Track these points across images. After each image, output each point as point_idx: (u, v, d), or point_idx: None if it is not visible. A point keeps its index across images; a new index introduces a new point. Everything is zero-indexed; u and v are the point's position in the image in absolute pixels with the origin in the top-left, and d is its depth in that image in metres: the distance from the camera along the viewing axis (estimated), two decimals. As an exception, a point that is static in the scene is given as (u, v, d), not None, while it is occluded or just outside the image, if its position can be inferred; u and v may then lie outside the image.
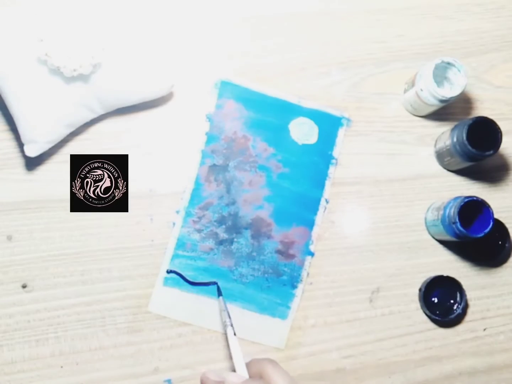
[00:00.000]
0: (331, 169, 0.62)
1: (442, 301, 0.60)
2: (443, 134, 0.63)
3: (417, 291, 0.61)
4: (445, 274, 0.60)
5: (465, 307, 0.61)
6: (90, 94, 0.57)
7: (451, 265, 0.62)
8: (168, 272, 0.58)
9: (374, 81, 0.65)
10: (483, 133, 0.58)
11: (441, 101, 0.60)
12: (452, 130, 0.60)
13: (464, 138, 0.57)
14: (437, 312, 0.60)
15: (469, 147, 0.57)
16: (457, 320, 0.61)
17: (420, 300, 0.60)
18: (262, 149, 0.62)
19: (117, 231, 0.59)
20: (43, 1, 0.56)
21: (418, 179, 0.63)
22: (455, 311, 0.60)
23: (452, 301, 0.60)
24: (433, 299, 0.60)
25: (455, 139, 0.59)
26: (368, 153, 0.63)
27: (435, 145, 0.64)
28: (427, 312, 0.60)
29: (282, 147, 0.62)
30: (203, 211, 0.60)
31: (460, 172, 0.64)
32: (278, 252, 0.60)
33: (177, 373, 0.57)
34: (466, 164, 0.61)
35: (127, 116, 0.61)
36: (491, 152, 0.58)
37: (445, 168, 0.64)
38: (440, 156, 0.63)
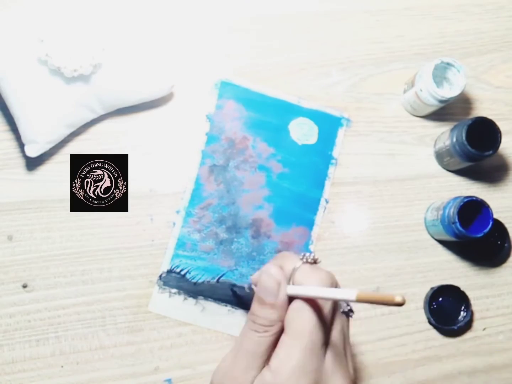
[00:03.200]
0: (331, 169, 0.62)
1: (446, 310, 0.60)
2: (442, 134, 0.63)
3: (416, 291, 0.61)
4: (453, 284, 0.60)
5: (470, 320, 0.60)
6: (90, 94, 0.57)
7: (451, 265, 0.62)
8: (168, 272, 0.58)
9: (373, 81, 0.65)
10: (482, 133, 0.58)
11: (441, 101, 0.60)
12: (452, 130, 0.60)
13: (464, 138, 0.57)
14: (439, 319, 0.60)
15: (469, 147, 0.57)
16: (459, 331, 0.61)
17: (424, 304, 0.60)
18: (262, 149, 0.62)
19: (117, 231, 0.59)
20: (43, 1, 0.57)
21: (417, 179, 0.64)
22: (458, 322, 0.60)
23: (456, 312, 0.60)
24: (437, 306, 0.60)
25: (454, 139, 0.59)
26: (368, 153, 0.63)
27: (434, 145, 0.64)
28: (431, 318, 0.60)
29: (282, 147, 0.62)
30: (203, 211, 0.60)
31: (459, 172, 0.64)
32: (278, 252, 0.60)
33: (177, 372, 0.57)
34: (466, 164, 0.61)
35: (127, 116, 0.61)
36: (491, 152, 0.58)
37: (444, 168, 0.64)
38: (440, 156, 0.63)
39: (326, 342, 0.38)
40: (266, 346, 0.38)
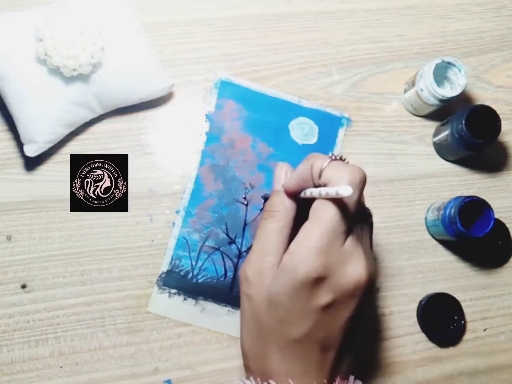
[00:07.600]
0: (331, 169, 0.62)
1: (439, 319, 0.59)
2: (442, 125, 0.62)
3: (417, 291, 0.61)
4: (444, 292, 0.60)
5: (463, 329, 0.60)
6: (89, 94, 0.57)
7: (452, 265, 0.62)
8: (168, 272, 0.58)
9: (374, 80, 0.65)
10: (482, 123, 0.57)
11: (442, 101, 0.59)
12: (451, 119, 0.60)
13: (463, 123, 0.57)
14: (433, 329, 0.59)
15: (468, 134, 0.57)
16: (453, 341, 0.60)
17: (417, 314, 0.60)
18: (262, 149, 0.62)
19: (117, 231, 0.59)
20: (43, 1, 0.56)
21: (418, 179, 0.63)
22: (451, 332, 0.59)
23: (449, 321, 0.59)
24: (430, 315, 0.59)
25: (454, 128, 0.58)
26: (368, 153, 0.63)
27: (433, 135, 0.64)
28: (424, 326, 0.59)
29: (282, 147, 0.62)
30: (203, 211, 0.60)
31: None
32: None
33: (177, 373, 0.57)
34: (465, 153, 0.60)
35: (127, 116, 0.61)
36: (494, 136, 0.57)
37: (443, 157, 0.64)
38: (439, 146, 0.63)
39: (347, 231, 0.39)
40: (275, 233, 0.41)
